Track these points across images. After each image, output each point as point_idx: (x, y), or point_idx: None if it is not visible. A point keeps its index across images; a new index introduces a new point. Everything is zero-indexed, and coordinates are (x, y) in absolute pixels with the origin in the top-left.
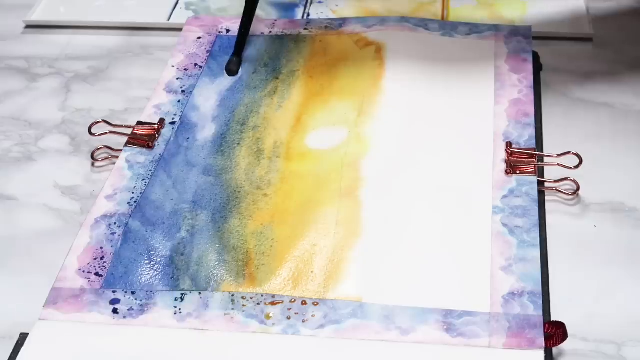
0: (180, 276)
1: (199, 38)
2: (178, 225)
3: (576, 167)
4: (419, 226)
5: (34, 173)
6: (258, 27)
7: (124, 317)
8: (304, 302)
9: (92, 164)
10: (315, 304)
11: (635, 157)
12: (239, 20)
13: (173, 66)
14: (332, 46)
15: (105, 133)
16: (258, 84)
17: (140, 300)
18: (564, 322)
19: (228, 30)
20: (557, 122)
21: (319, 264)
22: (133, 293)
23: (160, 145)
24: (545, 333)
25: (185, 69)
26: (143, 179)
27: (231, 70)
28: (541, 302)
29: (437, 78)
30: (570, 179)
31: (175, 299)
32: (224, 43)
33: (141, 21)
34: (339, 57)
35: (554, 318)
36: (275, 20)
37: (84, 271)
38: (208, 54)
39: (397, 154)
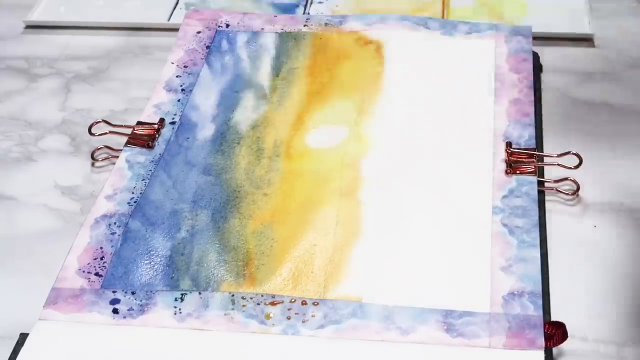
0: (180, 276)
1: (199, 32)
2: (178, 225)
3: (576, 167)
4: (418, 226)
5: (34, 173)
6: (258, 23)
7: (124, 317)
8: (304, 302)
9: (92, 164)
10: (315, 304)
11: (635, 157)
12: (239, 15)
13: (173, 63)
14: (332, 44)
15: (105, 133)
16: (258, 81)
17: (140, 301)
18: (564, 322)
19: (228, 25)
20: (557, 122)
21: (319, 264)
22: (133, 293)
23: (160, 145)
24: (545, 333)
25: (184, 66)
26: (143, 179)
27: None
28: (541, 302)
29: (437, 77)
30: (570, 179)
31: (175, 299)
32: (223, 38)
33: (141, 21)
34: (339, 55)
35: (554, 318)
36: (275, 17)
37: (83, 271)
38: (207, 50)
39: (397, 154)
